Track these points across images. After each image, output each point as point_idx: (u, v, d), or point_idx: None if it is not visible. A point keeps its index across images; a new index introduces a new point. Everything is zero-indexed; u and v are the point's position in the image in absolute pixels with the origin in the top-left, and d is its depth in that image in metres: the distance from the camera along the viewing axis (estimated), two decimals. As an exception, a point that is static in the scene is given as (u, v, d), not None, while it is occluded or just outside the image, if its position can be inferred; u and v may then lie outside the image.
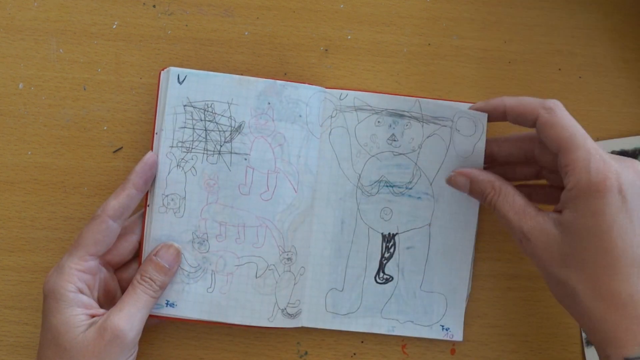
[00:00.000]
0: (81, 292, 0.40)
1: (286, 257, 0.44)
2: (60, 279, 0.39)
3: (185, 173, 0.43)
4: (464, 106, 0.44)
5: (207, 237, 0.43)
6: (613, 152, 0.47)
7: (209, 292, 0.43)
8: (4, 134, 0.46)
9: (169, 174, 0.43)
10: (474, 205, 0.45)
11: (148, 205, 0.43)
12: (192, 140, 0.43)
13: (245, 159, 0.44)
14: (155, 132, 0.43)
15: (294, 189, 0.44)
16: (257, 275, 0.44)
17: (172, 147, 0.43)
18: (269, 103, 0.44)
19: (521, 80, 0.48)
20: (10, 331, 0.46)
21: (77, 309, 0.39)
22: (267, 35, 0.47)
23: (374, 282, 0.45)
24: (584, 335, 0.47)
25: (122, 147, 0.47)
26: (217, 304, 0.43)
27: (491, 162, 0.45)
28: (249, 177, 0.44)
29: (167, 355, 0.46)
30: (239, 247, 0.44)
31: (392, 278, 0.45)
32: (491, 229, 0.47)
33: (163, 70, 0.43)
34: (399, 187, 0.45)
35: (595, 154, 0.37)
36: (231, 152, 0.43)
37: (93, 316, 0.39)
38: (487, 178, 0.41)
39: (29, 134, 0.46)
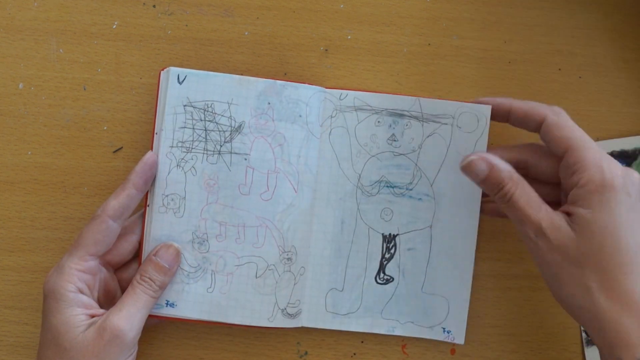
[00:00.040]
0: (81, 292, 0.40)
1: (286, 257, 0.44)
2: (61, 279, 0.39)
3: (185, 173, 0.43)
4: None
5: (207, 237, 0.43)
6: (613, 152, 0.47)
7: (209, 292, 0.43)
8: (4, 134, 0.46)
9: (169, 174, 0.43)
10: (475, 207, 0.45)
11: (148, 205, 0.43)
12: (192, 140, 0.43)
13: (245, 159, 0.44)
14: (155, 132, 0.43)
15: (294, 189, 0.44)
16: (257, 275, 0.44)
17: (172, 147, 0.43)
18: (269, 103, 0.44)
19: (521, 80, 0.48)
20: (10, 331, 0.46)
21: (77, 309, 0.39)
22: (267, 35, 0.47)
23: (375, 283, 0.45)
24: (584, 335, 0.47)
25: (122, 147, 0.47)
26: (217, 304, 0.43)
27: None
28: (249, 177, 0.44)
29: (167, 355, 0.46)
30: (239, 247, 0.44)
31: (393, 279, 0.45)
32: (491, 228, 0.47)
33: (163, 70, 0.43)
34: (400, 188, 0.45)
35: (604, 154, 0.38)
36: (231, 152, 0.43)
37: (93, 316, 0.39)
38: (507, 168, 0.39)
39: (29, 134, 0.46)
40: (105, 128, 0.47)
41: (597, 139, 0.47)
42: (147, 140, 0.46)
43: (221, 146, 0.43)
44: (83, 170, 0.47)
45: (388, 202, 0.45)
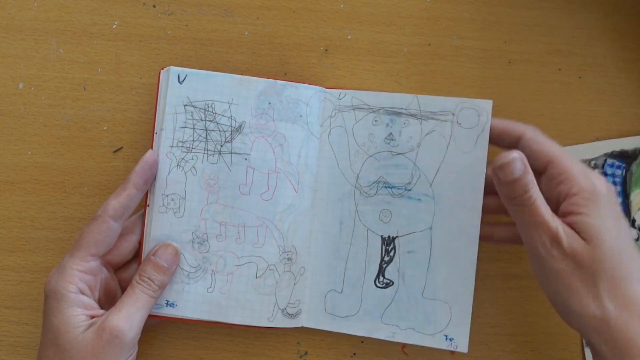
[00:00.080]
0: (82, 292, 0.40)
1: (286, 257, 0.44)
2: (62, 279, 0.39)
3: (185, 173, 0.43)
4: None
5: (207, 237, 0.43)
6: (613, 152, 0.47)
7: (209, 292, 0.43)
8: (4, 134, 0.46)
9: (169, 173, 0.43)
10: (476, 208, 0.43)
11: (148, 205, 0.43)
12: (193, 140, 0.43)
13: (246, 159, 0.44)
14: (155, 132, 0.43)
15: (295, 189, 0.44)
16: (257, 275, 0.44)
17: (172, 147, 0.43)
18: (270, 103, 0.44)
19: (521, 80, 0.48)
20: (10, 331, 0.46)
21: (78, 310, 0.39)
22: (267, 35, 0.47)
23: (374, 286, 0.44)
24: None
25: (122, 147, 0.47)
26: (217, 304, 0.43)
27: None
28: (250, 177, 0.44)
29: (167, 355, 0.46)
30: (239, 247, 0.44)
31: (393, 283, 0.44)
32: (491, 229, 0.47)
33: (163, 69, 0.43)
34: (398, 189, 0.44)
35: (583, 164, 0.39)
36: (231, 152, 0.43)
37: (93, 317, 0.39)
38: (531, 171, 0.38)
39: (29, 134, 0.46)
40: (105, 128, 0.47)
41: (597, 139, 0.47)
42: (147, 140, 0.46)
43: (221, 146, 0.43)
44: (83, 170, 0.47)
45: (387, 203, 0.44)
